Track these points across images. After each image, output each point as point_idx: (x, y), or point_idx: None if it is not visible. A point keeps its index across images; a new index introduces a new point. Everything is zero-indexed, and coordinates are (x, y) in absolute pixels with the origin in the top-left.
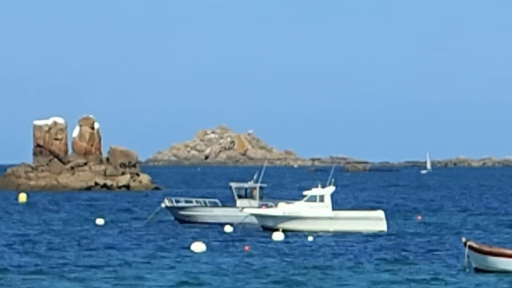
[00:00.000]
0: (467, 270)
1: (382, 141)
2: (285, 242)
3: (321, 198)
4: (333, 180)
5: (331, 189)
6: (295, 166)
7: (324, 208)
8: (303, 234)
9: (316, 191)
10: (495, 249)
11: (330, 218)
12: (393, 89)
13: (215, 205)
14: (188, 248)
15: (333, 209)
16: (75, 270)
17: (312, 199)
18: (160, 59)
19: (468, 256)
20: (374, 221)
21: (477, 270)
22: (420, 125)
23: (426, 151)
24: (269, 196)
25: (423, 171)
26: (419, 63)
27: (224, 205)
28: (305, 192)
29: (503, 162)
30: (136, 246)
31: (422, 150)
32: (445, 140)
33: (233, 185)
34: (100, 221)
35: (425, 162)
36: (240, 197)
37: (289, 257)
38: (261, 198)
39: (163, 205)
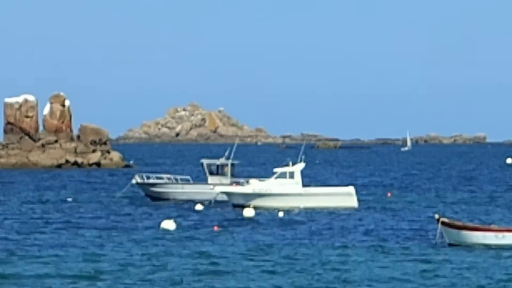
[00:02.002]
0: (440, 245)
1: (353, 119)
2: (255, 218)
3: (291, 175)
4: (303, 157)
5: (301, 166)
6: (259, 143)
7: (294, 185)
8: (274, 211)
9: (285, 168)
10: (468, 224)
11: (300, 195)
12: (364, 67)
13: (186, 182)
14: (158, 226)
15: (304, 185)
16: (42, 250)
17: (282, 176)
18: (131, 38)
19: (441, 232)
20: (344, 197)
21: (451, 246)
22: (390, 103)
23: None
24: (240, 174)
25: (403, 149)
26: (389, 42)
27: (195, 182)
28: (275, 169)
29: (474, 139)
30: (105, 223)
31: (393, 128)
32: (415, 117)
33: (205, 161)
34: (72, 198)
35: (396, 140)
36: (211, 173)
37: (260, 233)
38: (232, 175)
39: (133, 181)
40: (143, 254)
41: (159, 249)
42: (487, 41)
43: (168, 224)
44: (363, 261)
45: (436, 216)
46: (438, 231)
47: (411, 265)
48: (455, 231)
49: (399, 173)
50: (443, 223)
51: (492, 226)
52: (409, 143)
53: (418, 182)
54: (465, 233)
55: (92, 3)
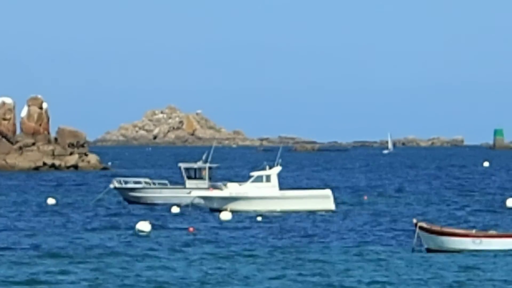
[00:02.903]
0: (417, 250)
1: (331, 121)
2: (231, 222)
3: (268, 178)
4: (280, 160)
5: (277, 169)
6: (234, 146)
7: (271, 188)
8: (251, 214)
9: (262, 172)
10: (446, 229)
11: (277, 198)
12: (341, 69)
13: (164, 186)
14: (133, 228)
15: (281, 188)
16: (18, 253)
17: (259, 179)
18: (108, 39)
19: (418, 237)
20: (321, 200)
21: (429, 251)
22: (368, 105)
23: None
24: (218, 177)
25: (385, 151)
26: (366, 44)
27: (173, 186)
28: (252, 173)
29: (452, 142)
30: (83, 226)
31: (370, 130)
32: (393, 120)
33: (182, 165)
34: (51, 201)
35: (374, 142)
36: (189, 177)
37: (234, 236)
38: (210, 178)
39: (111, 185)
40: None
41: (136, 252)
42: (464, 43)
43: (144, 226)
44: (339, 265)
45: (414, 220)
46: (416, 235)
47: (387, 270)
48: (432, 236)
49: (378, 175)
50: (421, 227)
51: (471, 231)
52: (390, 145)
53: (397, 185)
54: (442, 238)
55: (70, 4)
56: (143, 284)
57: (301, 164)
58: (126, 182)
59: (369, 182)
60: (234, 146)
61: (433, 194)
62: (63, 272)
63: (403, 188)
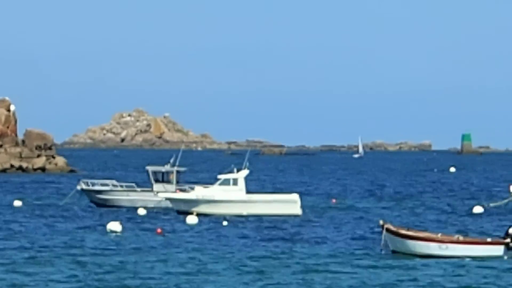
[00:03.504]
0: (384, 253)
1: (298, 125)
2: (198, 225)
3: (235, 182)
4: (247, 163)
5: (244, 172)
6: (199, 149)
7: (238, 192)
8: (218, 217)
9: (229, 175)
10: (412, 232)
11: (244, 202)
12: (310, 73)
13: (131, 188)
14: (103, 228)
15: (248, 192)
16: None
17: (226, 182)
18: (75, 41)
19: (385, 239)
20: (288, 204)
21: (394, 253)
22: (336, 109)
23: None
24: (186, 180)
25: (356, 155)
26: (334, 48)
27: (140, 189)
28: (219, 176)
29: (419, 146)
30: (49, 229)
31: (338, 135)
32: (361, 124)
33: (150, 169)
34: (17, 203)
35: (341, 146)
36: (157, 181)
37: (200, 241)
38: (178, 182)
39: (78, 187)
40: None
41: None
42: (432, 49)
43: (115, 226)
44: (305, 269)
45: (381, 222)
46: (383, 237)
47: (354, 273)
48: (398, 238)
49: (348, 179)
50: (387, 229)
51: (437, 236)
52: (361, 149)
53: (366, 189)
54: (409, 241)
55: (35, 5)
56: (113, 284)
57: (269, 168)
58: (93, 184)
59: (338, 185)
60: (199, 149)
61: (403, 198)
62: (31, 274)
63: (373, 192)
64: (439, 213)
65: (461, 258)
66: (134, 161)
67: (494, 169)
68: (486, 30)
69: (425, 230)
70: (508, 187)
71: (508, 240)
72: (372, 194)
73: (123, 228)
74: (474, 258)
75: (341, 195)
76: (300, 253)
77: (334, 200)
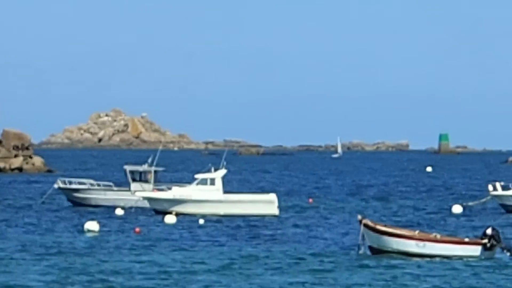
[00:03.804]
0: (361, 249)
1: (276, 125)
2: (175, 224)
3: (212, 181)
4: (225, 163)
5: (222, 172)
6: (175, 148)
7: (215, 191)
8: (195, 217)
9: (206, 175)
10: (390, 229)
11: (221, 201)
12: (288, 73)
13: (109, 187)
14: (80, 228)
15: (225, 192)
16: None
17: (203, 182)
18: (53, 41)
19: (363, 235)
20: (265, 204)
21: (372, 250)
22: (313, 109)
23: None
24: (164, 179)
25: (334, 155)
26: (312, 47)
27: (118, 188)
28: (196, 175)
29: (397, 146)
30: (25, 229)
31: (315, 135)
32: (338, 124)
33: (128, 168)
34: None
35: (319, 146)
36: (134, 180)
37: (178, 240)
38: (155, 181)
39: (56, 186)
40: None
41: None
42: (409, 48)
43: (92, 225)
44: (281, 268)
45: (359, 217)
46: (361, 233)
47: (331, 272)
48: (376, 235)
49: (326, 179)
50: (365, 225)
51: (415, 233)
52: (339, 149)
53: (344, 188)
54: (386, 238)
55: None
56: (90, 284)
57: (246, 168)
58: (70, 183)
59: (316, 185)
60: (176, 149)
61: (382, 198)
62: (5, 274)
63: (351, 191)
64: (417, 212)
65: (438, 257)
66: (112, 161)
67: (472, 169)
68: (463, 32)
69: (404, 227)
70: (487, 186)
71: (485, 240)
72: (350, 193)
73: (101, 227)
74: (451, 257)
75: (319, 195)
76: (276, 252)
77: (310, 200)
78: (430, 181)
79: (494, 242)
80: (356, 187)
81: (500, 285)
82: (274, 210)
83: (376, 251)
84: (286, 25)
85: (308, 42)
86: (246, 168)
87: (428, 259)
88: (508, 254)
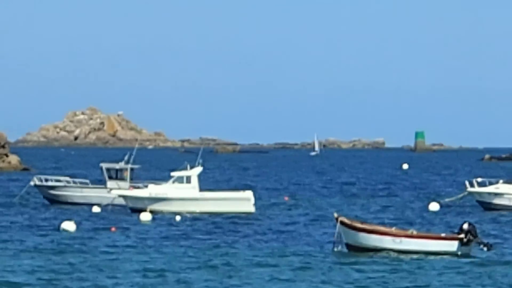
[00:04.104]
0: (338, 246)
1: (252, 123)
2: (151, 223)
3: (188, 179)
4: (201, 161)
5: (197, 170)
6: (150, 147)
7: (191, 189)
8: (171, 215)
9: (182, 172)
10: (367, 226)
11: (197, 199)
12: (262, 70)
13: (85, 185)
14: (57, 228)
15: (201, 189)
16: None
17: (179, 180)
18: (29, 38)
19: (339, 232)
20: (241, 201)
21: (349, 247)
22: (289, 107)
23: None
24: (140, 177)
25: (312, 153)
26: (286, 45)
27: (94, 186)
28: (172, 173)
29: (373, 144)
30: (4, 226)
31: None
32: (314, 122)
33: (104, 165)
34: None
35: (295, 144)
36: (110, 178)
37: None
38: (132, 179)
39: (32, 183)
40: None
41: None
42: (385, 45)
43: (68, 226)
44: (256, 267)
45: (336, 214)
46: (337, 231)
47: (307, 269)
48: (352, 232)
49: (303, 177)
50: (342, 222)
51: (391, 230)
52: (317, 147)
53: (321, 186)
54: (362, 235)
55: None
56: (67, 284)
57: (223, 166)
58: (46, 180)
59: (293, 183)
60: (150, 147)
61: (359, 195)
62: None
63: (328, 189)
64: (394, 209)
65: (415, 252)
66: (88, 159)
67: (448, 166)
68: (440, 30)
69: (380, 224)
70: (464, 183)
71: (462, 235)
72: (327, 191)
73: (77, 226)
74: (428, 253)
75: (295, 193)
76: (252, 250)
77: (286, 198)
78: (407, 178)
79: (471, 237)
80: (333, 184)
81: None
82: (250, 208)
83: (353, 248)
84: (261, 22)
85: (284, 40)
86: (223, 166)
87: (404, 255)
88: (485, 249)
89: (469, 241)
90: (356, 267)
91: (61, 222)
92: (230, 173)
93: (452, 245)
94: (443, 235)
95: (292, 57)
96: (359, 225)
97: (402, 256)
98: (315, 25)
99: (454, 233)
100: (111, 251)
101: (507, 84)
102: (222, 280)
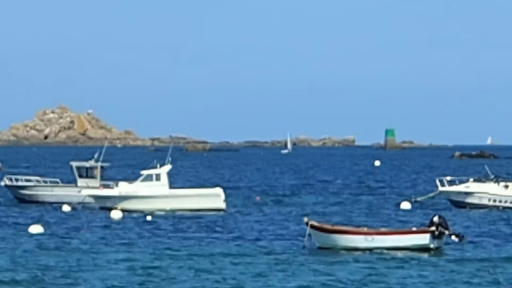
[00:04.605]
0: (308, 249)
1: (221, 121)
2: (121, 221)
3: (158, 177)
4: (170, 159)
5: (167, 167)
6: (118, 145)
7: (161, 187)
8: (142, 213)
9: (152, 171)
10: (337, 227)
11: (167, 197)
12: (232, 68)
13: (55, 184)
14: (26, 230)
15: (171, 187)
16: None
17: (149, 178)
18: None
19: (309, 236)
20: (212, 198)
21: (321, 250)
22: (259, 105)
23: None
24: (109, 176)
25: (284, 151)
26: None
27: (64, 185)
28: (142, 172)
29: (343, 142)
30: None
31: (261, 130)
32: (284, 119)
33: (74, 164)
34: None
35: (265, 142)
36: (81, 176)
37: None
38: (102, 177)
39: (2, 183)
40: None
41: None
42: (354, 44)
43: (36, 229)
44: (224, 266)
45: (305, 219)
46: (307, 234)
47: (274, 270)
48: (324, 234)
49: (274, 176)
50: (312, 226)
51: (362, 229)
52: (289, 145)
53: (293, 185)
54: (334, 236)
55: None
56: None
57: (193, 164)
58: (17, 180)
59: (265, 181)
60: (119, 146)
61: (331, 194)
62: None
63: (300, 187)
64: (364, 209)
65: (388, 249)
66: (58, 158)
67: (418, 164)
68: (410, 28)
69: (351, 225)
70: (435, 182)
71: (433, 228)
72: (299, 189)
73: (47, 226)
74: (401, 248)
75: (266, 191)
76: (222, 248)
77: (258, 198)
78: (377, 177)
79: (442, 230)
80: (305, 183)
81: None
82: (221, 204)
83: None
84: (231, 20)
85: (253, 38)
86: (193, 164)
87: (376, 253)
88: (457, 240)
89: (441, 233)
90: (327, 266)
91: (31, 223)
92: (201, 172)
93: (424, 239)
94: (414, 229)
95: (261, 55)
96: (329, 227)
97: (374, 254)
98: (284, 23)
99: (425, 226)
100: (82, 250)
101: (477, 82)
102: (192, 278)
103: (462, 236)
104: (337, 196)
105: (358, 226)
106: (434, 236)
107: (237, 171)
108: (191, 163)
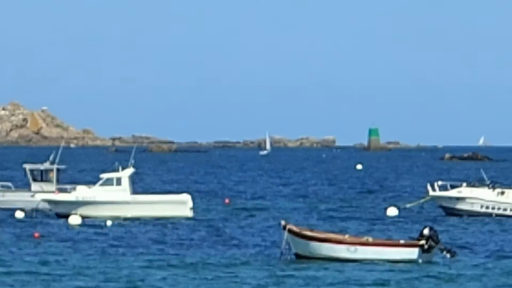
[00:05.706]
0: (286, 256)
1: (188, 120)
2: (79, 228)
3: (119, 181)
4: (133, 161)
5: (129, 171)
6: (72, 145)
7: (122, 192)
8: (101, 220)
9: (112, 174)
10: (318, 234)
11: (129, 203)
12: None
13: (7, 188)
14: None
15: (134, 192)
16: None
17: (109, 182)
18: None
19: (287, 241)
20: (177, 205)
21: (298, 256)
22: (229, 103)
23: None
24: (66, 180)
25: (262, 152)
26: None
27: (17, 189)
28: (101, 175)
29: (322, 142)
30: None
31: (232, 130)
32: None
33: (28, 166)
34: None
35: (237, 142)
36: (35, 180)
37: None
38: (58, 181)
39: None
40: None
41: None
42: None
43: None
44: (191, 276)
45: (283, 222)
46: (284, 239)
47: (249, 279)
48: (302, 240)
49: (248, 178)
50: (290, 230)
51: (344, 237)
52: (268, 146)
53: (266, 188)
54: (314, 244)
55: None
56: None
57: (158, 166)
58: None
59: (235, 185)
60: (72, 146)
61: (309, 198)
62: None
63: (275, 191)
64: (348, 215)
65: (371, 261)
66: (10, 159)
67: (405, 166)
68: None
69: (332, 232)
70: (426, 186)
71: (422, 241)
72: (274, 193)
73: None
74: (386, 261)
75: (238, 195)
76: (187, 257)
77: (227, 201)
78: (361, 180)
79: (432, 243)
80: (281, 187)
81: None
82: (187, 212)
83: (303, 259)
84: (201, 15)
85: (221, 34)
86: (158, 166)
87: (358, 264)
88: (448, 255)
89: (430, 247)
90: (303, 278)
91: None
92: (166, 175)
93: (412, 253)
94: (402, 241)
95: (231, 52)
96: (309, 233)
97: (357, 266)
98: (257, 19)
99: (414, 239)
100: (36, 260)
101: (466, 80)
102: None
103: (454, 252)
104: (317, 200)
105: (340, 231)
106: (423, 250)
107: (207, 173)
108: (155, 165)
